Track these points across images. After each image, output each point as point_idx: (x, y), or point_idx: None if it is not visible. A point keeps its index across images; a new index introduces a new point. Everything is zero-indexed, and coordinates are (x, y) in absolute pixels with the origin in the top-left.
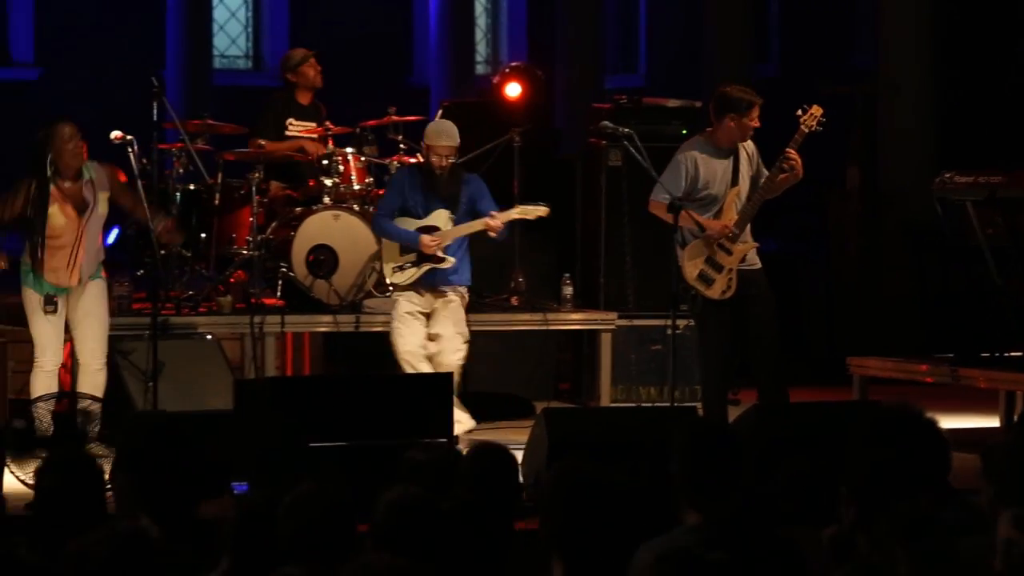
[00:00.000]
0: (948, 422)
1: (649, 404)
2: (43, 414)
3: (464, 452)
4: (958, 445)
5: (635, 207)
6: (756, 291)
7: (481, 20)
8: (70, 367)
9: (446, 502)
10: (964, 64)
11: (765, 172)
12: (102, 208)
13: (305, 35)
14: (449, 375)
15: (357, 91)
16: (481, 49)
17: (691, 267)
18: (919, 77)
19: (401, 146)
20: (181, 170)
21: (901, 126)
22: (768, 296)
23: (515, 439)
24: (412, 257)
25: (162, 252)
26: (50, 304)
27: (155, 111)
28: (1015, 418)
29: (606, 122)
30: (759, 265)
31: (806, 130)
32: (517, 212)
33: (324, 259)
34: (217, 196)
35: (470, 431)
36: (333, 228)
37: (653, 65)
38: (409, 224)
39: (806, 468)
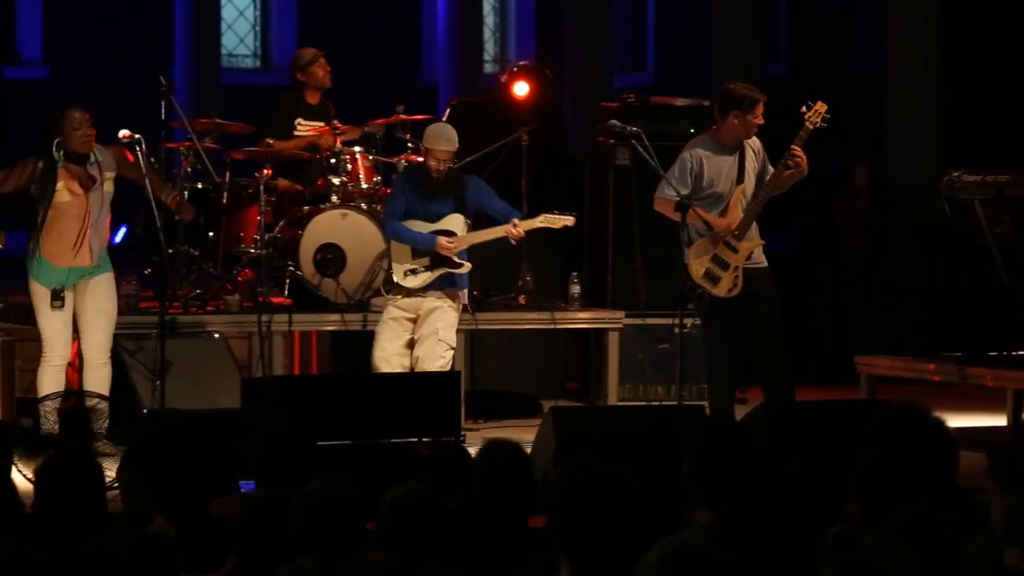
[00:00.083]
0: (956, 421)
1: (656, 403)
2: (50, 412)
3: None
4: (966, 444)
5: (643, 206)
6: (762, 289)
7: (489, 19)
8: (77, 366)
9: (454, 500)
10: (972, 62)
11: (771, 169)
12: (108, 186)
13: (313, 34)
14: (457, 374)
15: (365, 90)
16: (489, 48)
17: (697, 265)
18: (927, 75)
19: (409, 145)
20: (189, 169)
21: (909, 124)
22: (774, 294)
23: (522, 438)
24: (425, 261)
25: (170, 251)
26: (57, 299)
27: (163, 110)
28: (1023, 417)
29: (614, 121)
30: (765, 263)
31: (811, 126)
32: (541, 221)
33: (332, 258)
34: (225, 195)
35: None
36: (341, 227)
37: (661, 64)
38: (418, 228)
39: (811, 466)
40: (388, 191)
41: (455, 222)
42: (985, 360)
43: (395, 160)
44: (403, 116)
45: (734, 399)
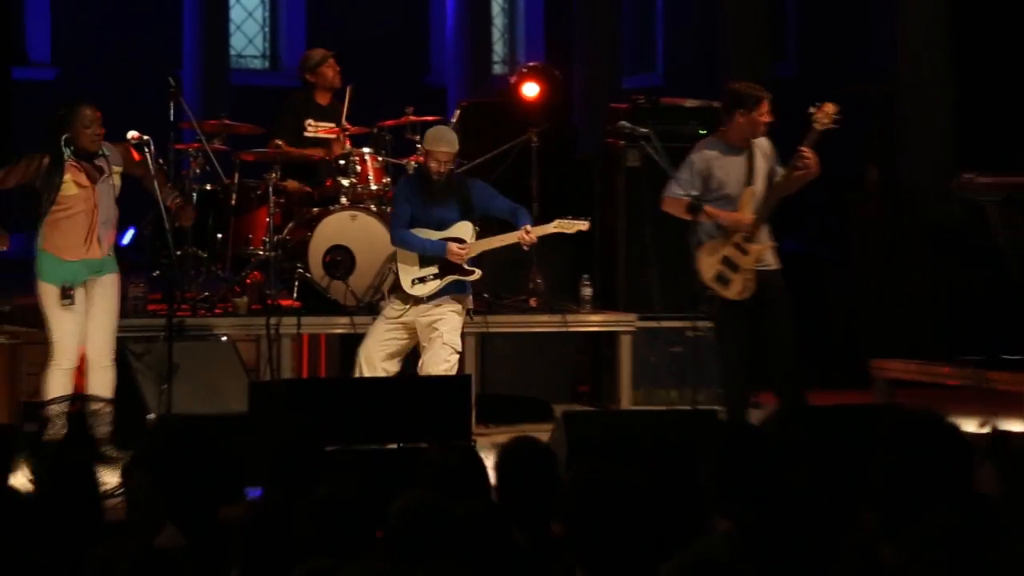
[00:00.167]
0: (972, 426)
1: (670, 407)
2: (57, 416)
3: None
4: (982, 450)
5: (655, 207)
6: (773, 292)
7: (498, 20)
8: (84, 370)
9: (465, 506)
10: (982, 61)
11: (781, 169)
12: (116, 180)
13: (322, 35)
14: (468, 377)
15: (374, 91)
16: (498, 49)
17: (708, 267)
18: (937, 75)
19: (419, 146)
20: (198, 170)
21: (920, 125)
22: (785, 297)
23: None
24: (434, 269)
25: (178, 253)
26: (66, 297)
27: (172, 111)
28: None
29: (624, 122)
30: (776, 265)
31: (820, 127)
32: (555, 226)
33: (341, 260)
34: (234, 196)
35: None
36: (350, 228)
37: (671, 65)
38: (426, 235)
39: (823, 473)
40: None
41: (464, 229)
42: (1002, 364)
43: (405, 161)
44: (413, 117)
45: (748, 403)
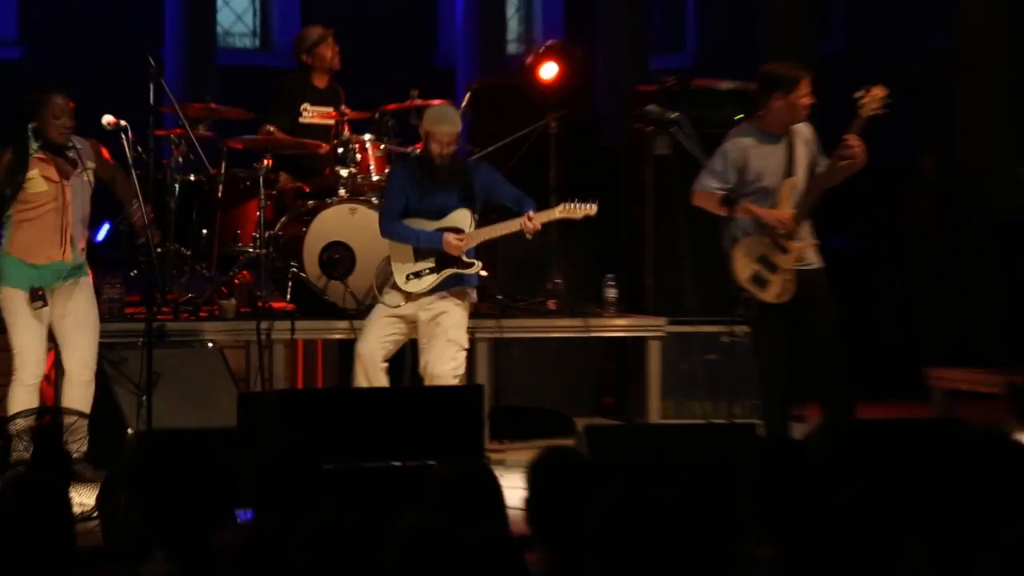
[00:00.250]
0: None
1: (703, 421)
2: (22, 432)
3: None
4: None
5: (687, 200)
6: (816, 293)
7: None
8: (53, 379)
9: (471, 530)
10: None
11: (824, 159)
12: (90, 175)
13: (318, 10)
14: (479, 388)
15: (376, 72)
16: (513, 26)
17: (743, 267)
18: (997, 55)
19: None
20: (180, 159)
21: (979, 109)
22: (830, 298)
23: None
24: (431, 262)
25: (158, 250)
26: (37, 299)
27: (152, 94)
28: None
29: (652, 106)
30: (819, 264)
31: (867, 113)
32: (560, 211)
33: (339, 258)
34: (220, 188)
35: None
36: (349, 223)
37: (703, 43)
38: (422, 226)
39: (874, 496)
40: None
41: (462, 218)
42: None
43: (409, 150)
44: (418, 101)
45: (790, 417)
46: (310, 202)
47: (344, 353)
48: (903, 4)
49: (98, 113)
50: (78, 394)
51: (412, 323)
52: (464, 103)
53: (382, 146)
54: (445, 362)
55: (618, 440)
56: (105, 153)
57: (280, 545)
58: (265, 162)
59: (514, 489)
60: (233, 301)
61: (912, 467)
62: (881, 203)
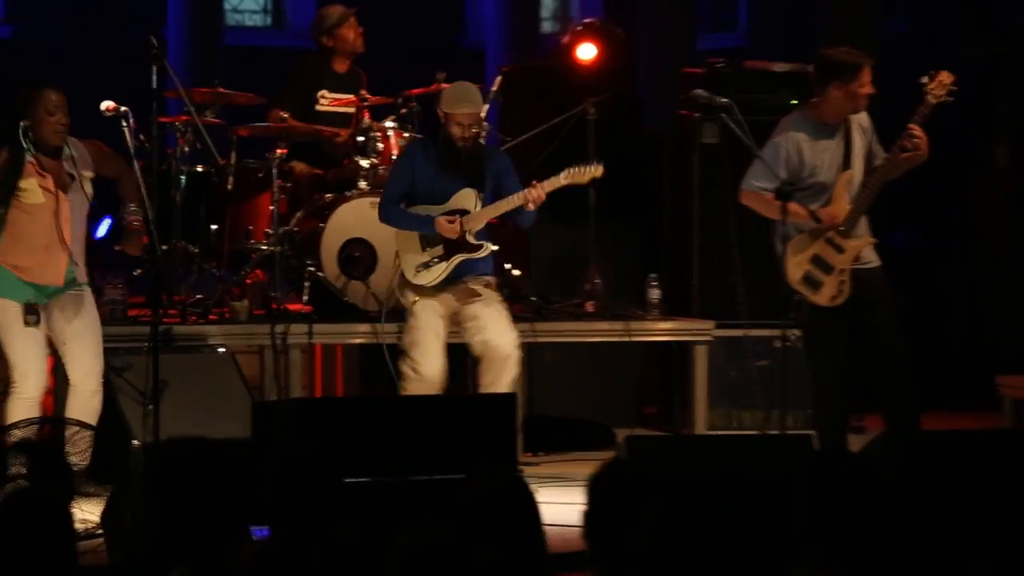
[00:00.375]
0: None
1: (754, 432)
2: (20, 444)
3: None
4: None
5: (735, 193)
6: (875, 295)
7: None
8: (52, 387)
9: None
10: None
11: (881, 151)
12: (88, 188)
13: None
14: (512, 396)
15: (400, 55)
16: (547, 3)
17: (795, 268)
18: None
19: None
20: (187, 148)
21: None
22: (891, 300)
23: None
24: (439, 251)
25: (164, 247)
26: (32, 313)
27: (155, 77)
28: None
29: (699, 90)
30: (877, 263)
31: (933, 101)
32: (565, 177)
33: (359, 256)
34: (230, 180)
35: None
36: (370, 218)
37: (756, 21)
38: (429, 212)
39: (938, 511)
40: None
41: (467, 198)
42: None
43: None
44: (445, 84)
45: (848, 427)
46: (328, 195)
47: (365, 359)
48: None
49: (95, 99)
50: (83, 406)
51: (453, 316)
52: (494, 88)
53: (405, 134)
54: (506, 332)
55: (661, 452)
56: (103, 146)
57: (299, 564)
58: (278, 151)
59: (547, 504)
60: (245, 302)
61: (980, 482)
62: (949, 197)
